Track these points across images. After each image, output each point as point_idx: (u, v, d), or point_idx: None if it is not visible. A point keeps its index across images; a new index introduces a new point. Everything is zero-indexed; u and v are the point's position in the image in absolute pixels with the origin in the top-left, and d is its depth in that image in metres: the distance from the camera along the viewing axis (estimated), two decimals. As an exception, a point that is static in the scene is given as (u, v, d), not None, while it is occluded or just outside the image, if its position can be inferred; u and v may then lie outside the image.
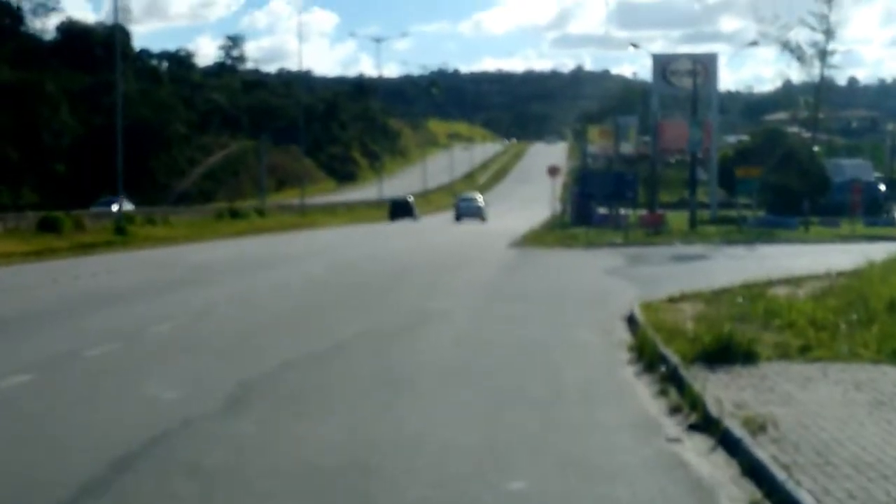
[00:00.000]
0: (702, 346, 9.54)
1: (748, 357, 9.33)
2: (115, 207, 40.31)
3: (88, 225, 35.32)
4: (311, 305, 14.95)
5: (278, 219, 53.25)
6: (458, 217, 59.10)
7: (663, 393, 8.33)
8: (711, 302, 13.88)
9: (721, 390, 7.89)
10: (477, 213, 59.22)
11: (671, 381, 8.64)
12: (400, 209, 62.39)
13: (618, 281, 19.57)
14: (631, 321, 12.57)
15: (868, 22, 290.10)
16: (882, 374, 8.82)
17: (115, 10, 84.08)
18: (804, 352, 9.77)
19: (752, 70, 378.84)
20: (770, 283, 16.06)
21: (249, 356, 10.16)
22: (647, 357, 9.79)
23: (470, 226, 53.12)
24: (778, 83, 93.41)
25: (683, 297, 14.40)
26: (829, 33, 44.60)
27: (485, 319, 13.31)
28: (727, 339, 9.51)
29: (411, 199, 69.17)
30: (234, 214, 48.85)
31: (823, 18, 44.58)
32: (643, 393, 8.57)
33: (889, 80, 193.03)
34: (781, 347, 9.91)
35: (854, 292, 13.79)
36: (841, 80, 48.40)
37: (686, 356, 9.26)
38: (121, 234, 34.34)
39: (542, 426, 7.20)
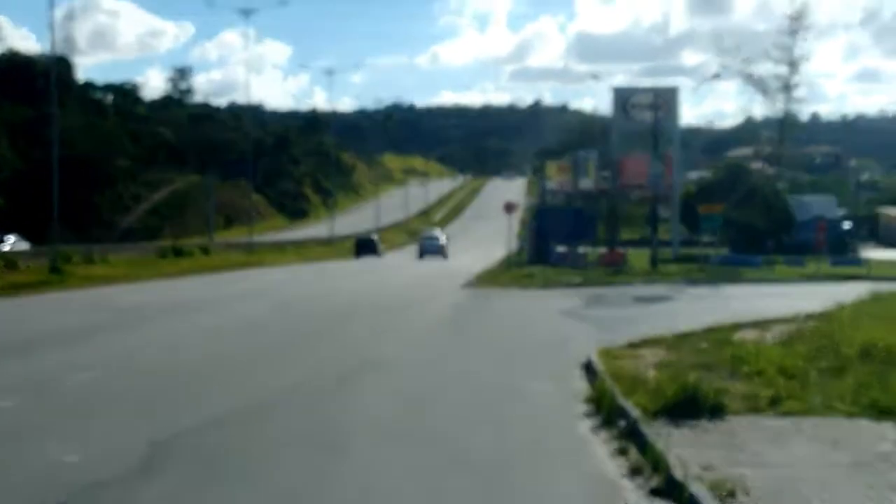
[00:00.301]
0: (665, 398, 8.81)
1: (715, 410, 8.60)
2: (5, 247, 38.59)
3: (22, 264, 33.91)
4: (244, 353, 13.88)
5: (224, 257, 51.93)
6: (422, 255, 60.93)
7: (622, 452, 7.66)
8: (675, 348, 13.19)
9: (686, 449, 7.23)
10: (439, 251, 61.39)
11: (631, 437, 7.97)
12: (365, 247, 64.12)
13: (575, 324, 18.80)
14: (588, 369, 11.79)
15: (830, 57, 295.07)
16: (859, 430, 8.13)
17: (52, 41, 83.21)
18: (775, 404, 9.05)
19: (713, 105, 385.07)
20: (736, 327, 15.46)
21: (169, 411, 9.18)
22: (605, 410, 9.05)
23: (426, 263, 52.41)
24: (740, 118, 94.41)
25: (645, 343, 13.67)
26: (793, 66, 44.68)
27: (431, 369, 12.38)
28: (692, 390, 8.77)
29: (376, 236, 70.86)
30: (178, 253, 47.45)
31: (787, 51, 44.59)
32: (600, 451, 7.85)
33: (852, 115, 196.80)
34: (750, 399, 9.21)
35: (824, 337, 13.29)
36: (803, 115, 48.28)
37: (647, 409, 8.56)
38: (56, 273, 32.88)
39: (488, 496, 6.51)
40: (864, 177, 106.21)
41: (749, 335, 14.68)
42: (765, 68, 45.27)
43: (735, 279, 34.91)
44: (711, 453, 7.19)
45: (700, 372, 10.37)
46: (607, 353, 12.54)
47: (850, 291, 22.24)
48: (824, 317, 16.84)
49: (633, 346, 13.46)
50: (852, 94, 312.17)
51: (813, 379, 10.24)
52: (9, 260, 33.23)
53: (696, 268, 40.96)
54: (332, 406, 9.63)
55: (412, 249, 69.99)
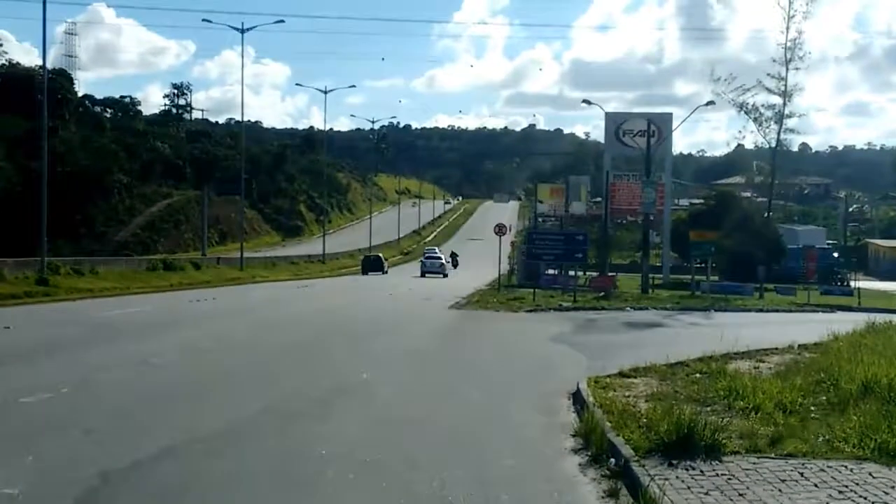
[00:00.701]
0: (658, 434, 8.20)
1: (712, 450, 8.00)
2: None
3: (9, 275, 33.21)
4: (217, 373, 13.22)
5: (215, 272, 51.26)
6: (423, 273, 64.68)
7: (612, 495, 7.10)
8: (667, 377, 12.63)
9: (682, 494, 6.70)
10: (440, 270, 65.57)
11: (623, 477, 7.40)
12: (371, 264, 68.54)
13: (565, 350, 18.17)
14: (577, 399, 11.19)
15: (820, 91, 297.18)
16: (868, 475, 7.50)
17: (44, 52, 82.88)
18: (775, 443, 8.44)
19: (703, 135, 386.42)
20: (729, 357, 14.87)
21: (125, 438, 8.53)
22: (594, 446, 8.46)
23: (417, 283, 51.75)
24: (730, 147, 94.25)
25: (636, 372, 13.08)
26: (787, 95, 44.28)
27: (411, 395, 11.71)
28: (687, 427, 8.15)
29: (382, 255, 75.65)
30: (168, 267, 46.69)
31: (781, 81, 44.26)
32: (589, 493, 7.25)
33: (840, 147, 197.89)
34: (749, 437, 8.59)
35: (822, 370, 12.75)
36: (794, 146, 47.92)
37: (640, 447, 7.99)
38: (43, 284, 32.35)
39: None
40: (852, 208, 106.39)
41: (743, 366, 14.14)
42: (759, 98, 44.84)
43: (726, 307, 34.56)
44: (708, 500, 6.64)
45: (694, 405, 9.81)
46: (597, 383, 11.98)
47: (843, 322, 21.81)
48: (820, 348, 16.38)
49: (623, 375, 12.89)
50: (841, 128, 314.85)
51: (813, 416, 9.70)
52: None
53: (687, 294, 40.57)
54: (304, 434, 8.95)
55: (407, 268, 74.18)
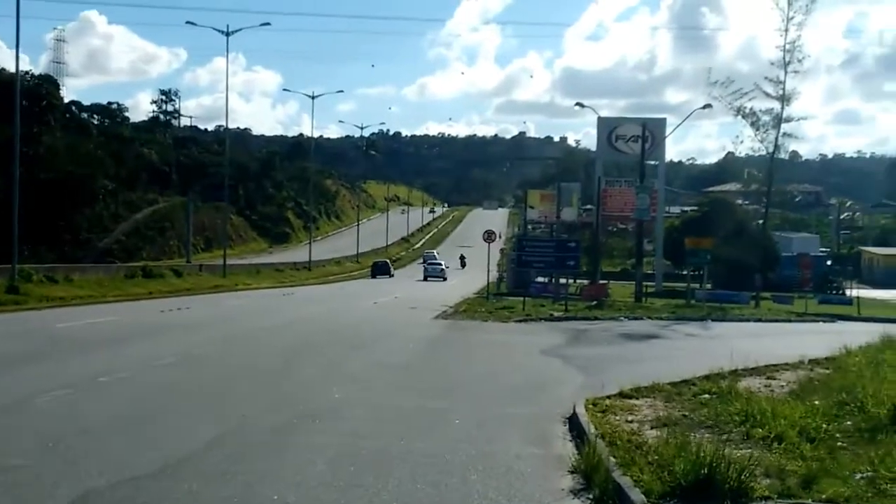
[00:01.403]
0: (674, 475, 6.89)
1: (738, 495, 6.72)
2: None
3: (-20, 282, 31.89)
4: (170, 394, 11.79)
5: (196, 279, 49.84)
6: (426, 277, 70.87)
7: None
8: (673, 399, 11.37)
9: None
10: (440, 274, 70.99)
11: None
12: (380, 269, 75.77)
13: (557, 365, 16.84)
14: (574, 425, 9.89)
15: (811, 99, 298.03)
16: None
17: (17, 55, 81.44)
18: (809, 484, 7.12)
19: (694, 143, 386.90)
20: (737, 374, 13.63)
21: (45, 476, 7.19)
22: (597, 487, 7.18)
23: (405, 290, 50.41)
24: (722, 154, 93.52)
25: (638, 391, 11.80)
26: (785, 99, 43.01)
27: (384, 420, 10.31)
28: (708, 467, 6.84)
29: (389, 260, 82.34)
30: (147, 274, 45.18)
31: (779, 84, 43.00)
32: (593, 550, 5.94)
33: (831, 155, 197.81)
34: (778, 476, 7.29)
35: (840, 388, 11.52)
36: (784, 152, 46.65)
37: (652, 490, 6.74)
38: (13, 293, 30.96)
39: None
40: (844, 216, 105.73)
41: (754, 384, 12.95)
42: (755, 103, 43.52)
43: (723, 316, 33.37)
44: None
45: (707, 433, 8.60)
46: (595, 405, 10.70)
47: (848, 333, 20.73)
48: (833, 363, 15.21)
49: (624, 395, 11.58)
50: (832, 136, 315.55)
51: (841, 445, 8.51)
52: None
53: (683, 303, 39.40)
54: (257, 472, 7.55)
55: (397, 273, 78.07)
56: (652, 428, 9.35)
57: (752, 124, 43.64)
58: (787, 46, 43.06)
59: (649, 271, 55.47)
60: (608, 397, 11.27)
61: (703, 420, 9.81)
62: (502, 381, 14.48)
